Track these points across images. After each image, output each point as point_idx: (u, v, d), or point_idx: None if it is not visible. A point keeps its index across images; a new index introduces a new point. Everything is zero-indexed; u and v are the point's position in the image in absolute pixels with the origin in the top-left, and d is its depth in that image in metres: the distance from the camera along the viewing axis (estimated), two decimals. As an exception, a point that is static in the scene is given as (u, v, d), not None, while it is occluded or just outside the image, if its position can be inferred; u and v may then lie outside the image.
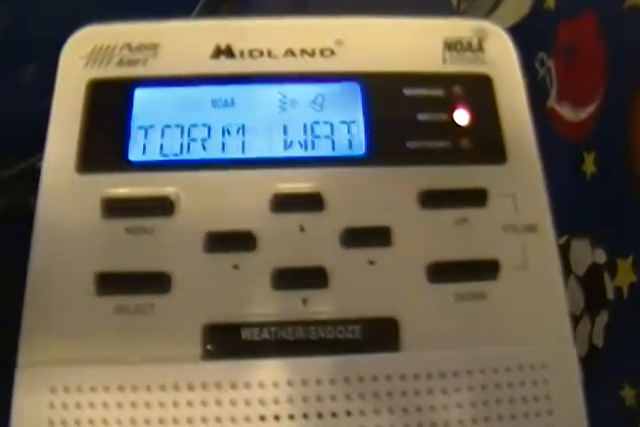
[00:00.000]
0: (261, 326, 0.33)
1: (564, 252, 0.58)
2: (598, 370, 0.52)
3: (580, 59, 0.59)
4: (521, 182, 0.36)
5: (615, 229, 0.53)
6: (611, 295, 0.53)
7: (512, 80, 0.38)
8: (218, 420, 0.31)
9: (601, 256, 0.54)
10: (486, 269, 0.34)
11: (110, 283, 0.33)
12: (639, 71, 0.51)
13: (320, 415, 0.32)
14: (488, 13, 0.63)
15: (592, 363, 0.53)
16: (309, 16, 0.38)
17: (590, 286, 0.56)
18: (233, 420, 0.31)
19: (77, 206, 0.34)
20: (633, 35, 0.53)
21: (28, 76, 0.50)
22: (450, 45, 0.38)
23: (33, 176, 0.36)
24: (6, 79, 0.49)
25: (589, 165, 0.55)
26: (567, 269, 0.58)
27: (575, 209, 0.57)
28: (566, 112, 0.60)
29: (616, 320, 0.53)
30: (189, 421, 0.31)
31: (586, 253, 0.56)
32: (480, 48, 0.38)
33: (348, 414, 0.32)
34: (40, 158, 0.36)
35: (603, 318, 0.54)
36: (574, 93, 0.59)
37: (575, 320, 0.56)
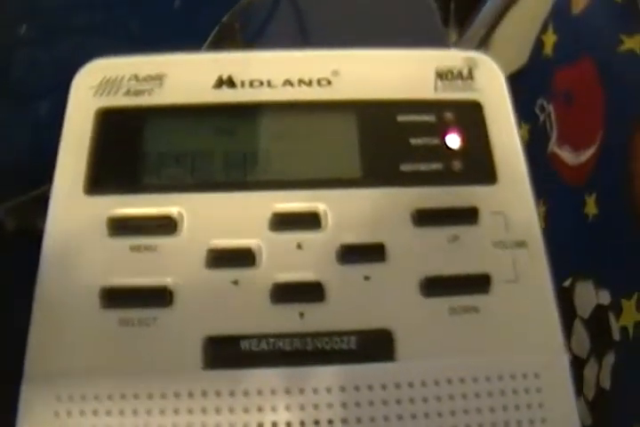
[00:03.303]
0: (260, 337, 0.34)
1: (569, 295, 0.58)
2: (607, 412, 0.52)
3: (578, 103, 0.60)
4: (511, 201, 0.37)
5: (618, 269, 0.54)
6: (617, 336, 0.53)
7: (501, 105, 0.39)
8: (217, 427, 0.32)
9: (605, 297, 0.55)
10: (478, 283, 0.35)
11: (115, 297, 0.34)
12: (637, 113, 0.53)
13: (317, 423, 0.32)
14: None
15: (600, 405, 0.53)
16: (308, 48, 0.40)
17: (596, 327, 0.56)
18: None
19: (84, 225, 0.36)
20: (630, 78, 0.55)
21: (41, 114, 0.52)
22: (441, 74, 0.39)
23: (42, 203, 0.37)
24: (21, 117, 0.52)
25: (591, 207, 0.56)
26: (572, 312, 0.59)
27: (578, 251, 0.57)
28: (567, 156, 0.61)
29: (623, 361, 0.53)
30: (188, 429, 0.32)
31: (590, 295, 0.56)
32: (470, 76, 0.40)
33: (344, 421, 0.32)
34: (50, 187, 0.37)
35: (609, 360, 0.54)
36: (574, 137, 0.61)
37: (582, 363, 0.56)
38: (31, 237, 0.37)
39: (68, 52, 0.53)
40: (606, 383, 0.53)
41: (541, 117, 0.64)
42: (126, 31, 0.56)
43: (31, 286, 0.35)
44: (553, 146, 0.63)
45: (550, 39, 0.63)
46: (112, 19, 0.57)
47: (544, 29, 0.64)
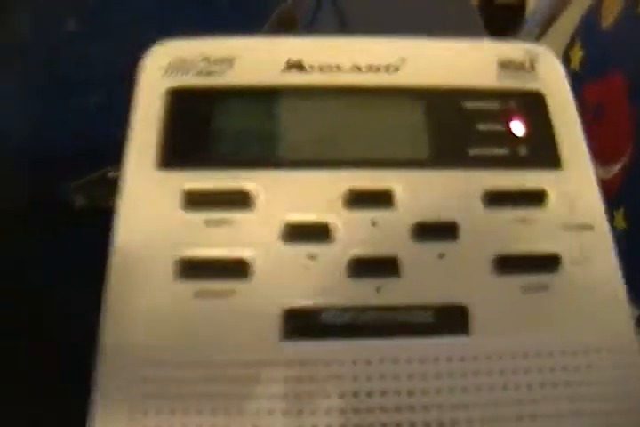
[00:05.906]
0: (340, 309, 0.34)
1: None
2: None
3: (607, 118, 0.61)
4: (576, 186, 0.38)
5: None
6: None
7: (563, 96, 0.40)
8: (297, 397, 0.32)
9: (632, 313, 0.55)
10: (548, 263, 0.36)
11: (191, 268, 0.34)
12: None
13: (398, 393, 0.33)
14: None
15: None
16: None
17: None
18: (310, 396, 0.32)
19: (157, 199, 0.36)
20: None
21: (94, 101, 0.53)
22: (503, 65, 0.40)
23: (108, 181, 0.38)
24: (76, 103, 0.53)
25: (619, 222, 0.57)
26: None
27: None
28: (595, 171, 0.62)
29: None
30: (269, 397, 0.32)
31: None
32: (532, 68, 0.41)
33: (424, 392, 0.33)
34: (111, 169, 0.38)
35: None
36: (603, 152, 0.61)
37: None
38: (100, 213, 0.37)
39: (117, 45, 0.53)
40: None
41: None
42: (175, 22, 0.56)
43: (100, 262, 0.35)
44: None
45: (577, 54, 0.64)
46: (160, 11, 0.58)
47: (571, 45, 0.65)
